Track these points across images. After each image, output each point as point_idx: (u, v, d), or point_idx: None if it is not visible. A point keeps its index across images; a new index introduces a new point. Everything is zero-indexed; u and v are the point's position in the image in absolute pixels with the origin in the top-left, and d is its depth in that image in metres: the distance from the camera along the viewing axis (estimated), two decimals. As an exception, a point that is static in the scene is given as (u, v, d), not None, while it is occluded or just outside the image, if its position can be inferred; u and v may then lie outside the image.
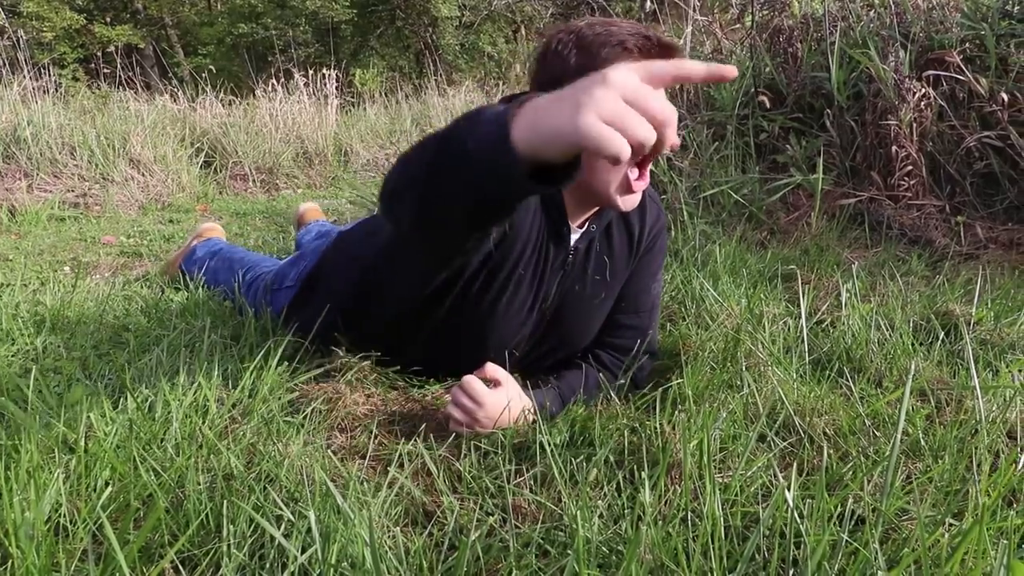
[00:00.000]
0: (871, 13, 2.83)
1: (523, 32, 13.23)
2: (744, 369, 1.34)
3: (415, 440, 1.20)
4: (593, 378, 1.44)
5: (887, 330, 1.54)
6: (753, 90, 2.86)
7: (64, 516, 0.98)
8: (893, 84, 2.34)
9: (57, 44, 10.83)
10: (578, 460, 1.07)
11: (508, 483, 1.03)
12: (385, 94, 8.90)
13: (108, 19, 12.79)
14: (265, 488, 0.98)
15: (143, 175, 5.15)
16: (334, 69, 7.31)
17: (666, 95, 1.19)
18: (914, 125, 2.32)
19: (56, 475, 1.05)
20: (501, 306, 1.37)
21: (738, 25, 3.32)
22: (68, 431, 1.17)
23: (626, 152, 0.69)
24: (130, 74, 7.22)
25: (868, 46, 2.48)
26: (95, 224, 4.31)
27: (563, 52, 1.20)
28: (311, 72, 7.07)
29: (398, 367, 1.52)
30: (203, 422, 1.24)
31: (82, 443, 1.14)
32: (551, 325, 1.46)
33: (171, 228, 4.02)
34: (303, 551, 0.86)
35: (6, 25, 9.01)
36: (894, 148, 2.30)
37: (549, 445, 1.11)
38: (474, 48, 13.95)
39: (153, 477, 1.05)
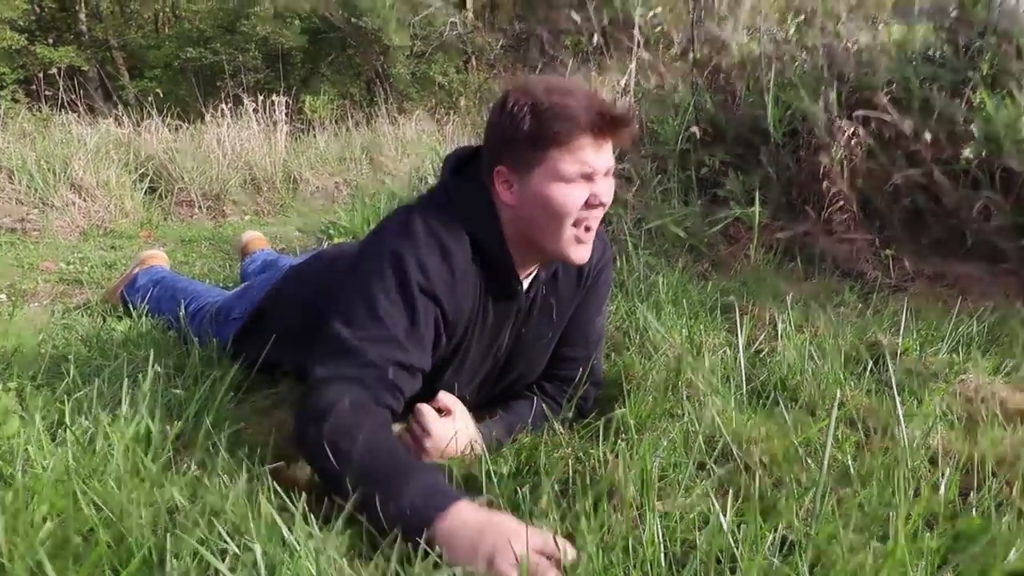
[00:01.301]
0: (804, 54, 2.96)
1: (473, 63, 13.38)
2: (685, 398, 1.39)
3: (362, 471, 1.21)
4: (539, 408, 1.47)
5: (819, 360, 1.61)
6: (694, 126, 2.96)
7: (0, 553, 0.96)
8: (824, 123, 2.46)
9: (-5, 65, 10.53)
10: (524, 488, 1.09)
11: (454, 513, 1.04)
12: (336, 121, 8.89)
13: (50, 40, 12.53)
14: (210, 521, 0.98)
15: (85, 200, 5.04)
16: (284, 95, 7.28)
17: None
18: (844, 163, 2.44)
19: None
20: (451, 367, 1.40)
21: (679, 62, 3.44)
22: (4, 464, 1.15)
23: None
24: (73, 96, 7.07)
25: (801, 87, 2.60)
26: (33, 249, 4.20)
27: (517, 115, 1.25)
28: (260, 98, 7.04)
29: None
30: (146, 455, 1.23)
31: (19, 476, 1.12)
32: (503, 368, 1.50)
33: (113, 255, 3.94)
34: (248, 584, 0.86)
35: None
36: (825, 184, 2.42)
37: (495, 475, 1.14)
38: (425, 78, 14.03)
39: (94, 511, 1.04)
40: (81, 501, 1.06)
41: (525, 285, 1.42)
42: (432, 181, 7.05)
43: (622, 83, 3.36)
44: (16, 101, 10.51)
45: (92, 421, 1.33)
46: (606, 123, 1.23)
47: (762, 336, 1.87)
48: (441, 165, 1.44)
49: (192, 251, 4.10)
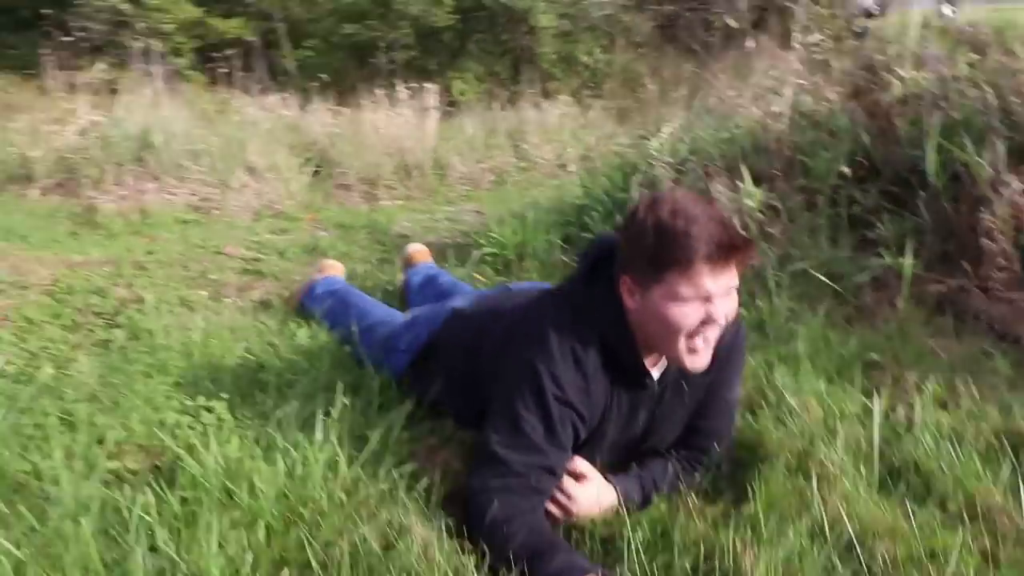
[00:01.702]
0: (974, 92, 2.85)
1: (620, 43, 13.24)
2: (815, 479, 1.47)
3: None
4: (673, 471, 1.60)
5: (957, 446, 1.64)
6: (848, 160, 2.93)
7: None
8: (989, 178, 2.39)
9: (175, 35, 11.49)
10: (656, 562, 1.24)
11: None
12: (481, 103, 9.11)
13: (222, 12, 13.37)
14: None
15: (257, 182, 5.51)
16: (434, 82, 7.58)
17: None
18: (1009, 220, 2.37)
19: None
20: (587, 448, 1.55)
21: (839, 89, 3.36)
22: (232, 486, 1.40)
23: None
24: (239, 70, 7.62)
25: (965, 134, 2.53)
26: (215, 230, 4.67)
27: (642, 234, 1.38)
28: (412, 84, 7.33)
29: None
30: (336, 484, 1.46)
31: (245, 498, 1.38)
32: (638, 441, 1.63)
33: (283, 240, 4.31)
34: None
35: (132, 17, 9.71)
36: (985, 241, 2.36)
37: (633, 542, 1.28)
38: (570, 57, 14.05)
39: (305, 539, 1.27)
40: (294, 529, 1.29)
41: (656, 374, 1.55)
42: (573, 169, 7.18)
43: (775, 107, 3.34)
44: (194, 69, 11.34)
45: (292, 444, 1.57)
46: (724, 253, 1.34)
47: (901, 406, 1.89)
48: (581, 257, 1.59)
49: (351, 240, 4.40)
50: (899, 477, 1.57)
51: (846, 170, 2.78)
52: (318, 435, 1.58)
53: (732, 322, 1.60)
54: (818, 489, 1.44)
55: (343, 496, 1.42)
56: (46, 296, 2.93)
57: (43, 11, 9.12)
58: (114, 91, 6.59)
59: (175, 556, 1.16)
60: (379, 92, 7.04)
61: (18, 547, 1.16)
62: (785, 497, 1.45)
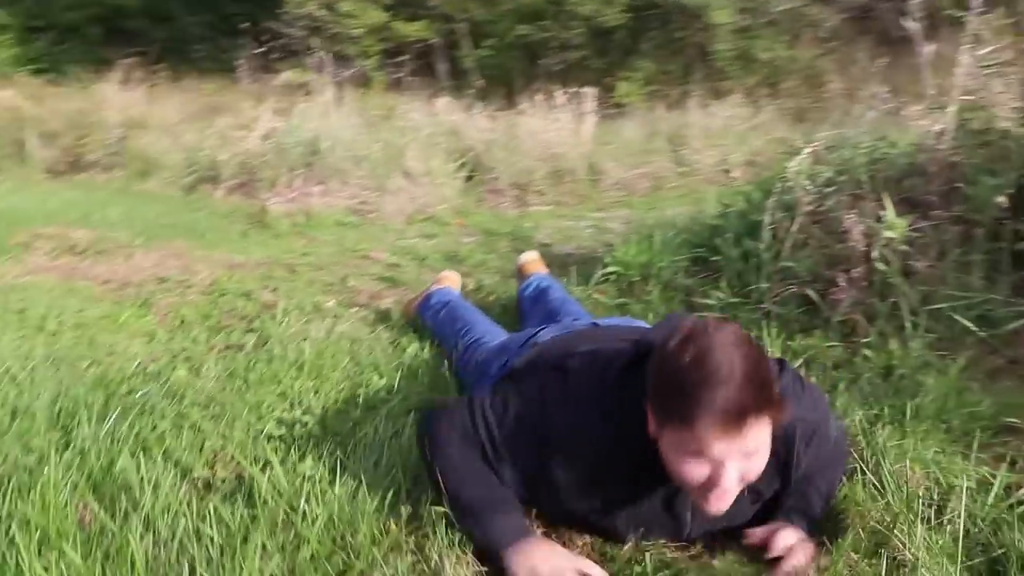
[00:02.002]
0: None
1: (804, 39, 12.51)
2: (885, 564, 1.33)
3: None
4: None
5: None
6: (1016, 188, 2.60)
7: None
8: None
9: (363, 39, 12.21)
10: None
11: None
12: (645, 106, 8.96)
13: (407, 16, 14.02)
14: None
15: (413, 186, 5.78)
16: (600, 83, 7.55)
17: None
18: None
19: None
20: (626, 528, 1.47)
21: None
22: (288, 508, 1.49)
23: None
24: (415, 74, 8.00)
25: None
26: (368, 233, 4.95)
27: (660, 372, 1.29)
28: (571, 89, 7.34)
29: None
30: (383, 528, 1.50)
31: (299, 520, 1.46)
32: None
33: (428, 245, 4.50)
34: None
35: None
36: None
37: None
38: (747, 55, 13.47)
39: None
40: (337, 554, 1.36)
41: None
42: (736, 175, 6.90)
43: (937, 127, 3.02)
44: (378, 70, 12.00)
45: (356, 473, 1.64)
46: (735, 421, 1.19)
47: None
48: (641, 341, 1.48)
49: (492, 247, 4.49)
50: (999, 572, 1.38)
51: (1003, 200, 2.47)
52: (383, 463, 1.64)
53: (805, 431, 1.47)
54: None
55: (391, 526, 1.46)
56: (204, 296, 3.25)
57: (245, 20, 10.09)
58: (304, 94, 7.17)
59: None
60: (538, 97, 7.12)
61: (89, 551, 1.30)
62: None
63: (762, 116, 8.73)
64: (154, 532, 1.40)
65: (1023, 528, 1.47)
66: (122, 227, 4.53)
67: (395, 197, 5.60)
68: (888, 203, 2.69)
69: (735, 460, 1.24)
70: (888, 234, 2.62)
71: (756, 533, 1.46)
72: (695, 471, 1.26)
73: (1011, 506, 1.59)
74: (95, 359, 2.40)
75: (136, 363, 2.39)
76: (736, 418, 1.20)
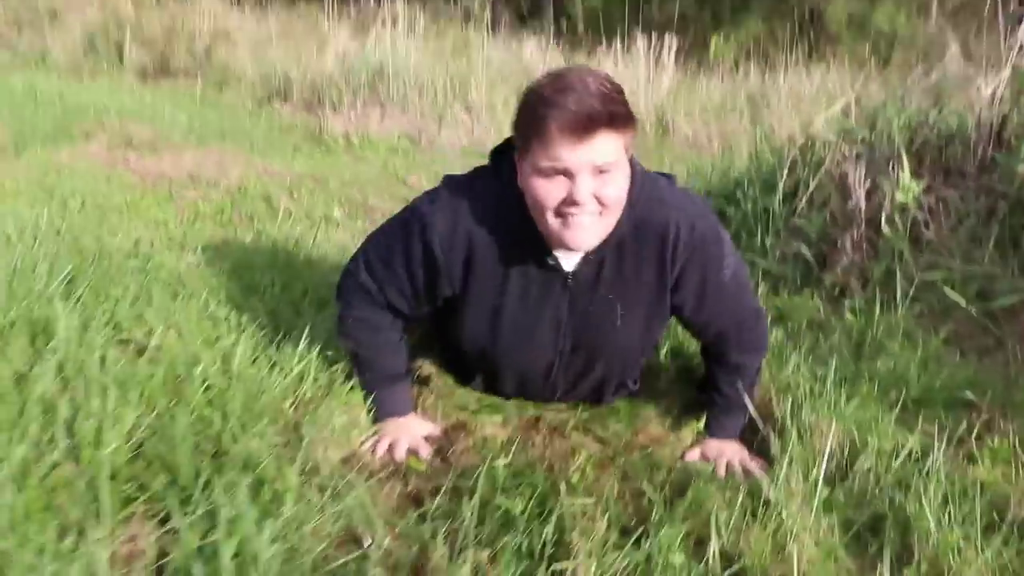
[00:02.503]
0: None
1: (934, 8, 11.67)
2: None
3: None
4: (729, 389, 1.64)
5: (963, 510, 1.32)
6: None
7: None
8: None
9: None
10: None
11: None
12: (735, 66, 8.59)
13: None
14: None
15: (472, 120, 5.78)
16: (696, 39, 7.29)
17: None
18: None
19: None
20: (504, 332, 1.53)
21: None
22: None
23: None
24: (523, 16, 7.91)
25: None
26: (416, 160, 5.00)
27: (521, 102, 1.35)
28: (663, 38, 7.10)
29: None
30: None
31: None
32: (578, 345, 1.56)
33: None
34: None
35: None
36: None
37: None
38: (865, 21, 12.71)
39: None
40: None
41: (570, 259, 1.46)
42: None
43: (988, 89, 2.78)
44: (483, 8, 11.95)
45: (300, 351, 1.71)
46: (582, 123, 1.23)
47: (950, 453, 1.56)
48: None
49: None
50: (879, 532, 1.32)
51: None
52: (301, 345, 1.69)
53: (686, 214, 1.48)
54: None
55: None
56: (226, 195, 3.38)
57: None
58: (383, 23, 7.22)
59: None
60: (617, 44, 6.95)
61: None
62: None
63: (858, 86, 8.21)
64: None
65: (911, 492, 1.40)
66: (181, 129, 4.74)
67: (452, 128, 5.63)
68: (905, 165, 2.52)
69: (587, 173, 1.29)
70: (899, 197, 2.47)
71: (691, 456, 1.63)
72: (551, 190, 1.31)
73: (920, 472, 1.50)
74: (97, 236, 2.54)
75: (134, 242, 2.51)
76: (584, 122, 1.24)
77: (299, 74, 6.13)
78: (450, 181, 1.54)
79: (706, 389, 1.72)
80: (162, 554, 1.11)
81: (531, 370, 1.63)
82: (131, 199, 3.12)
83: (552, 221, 1.34)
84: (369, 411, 1.62)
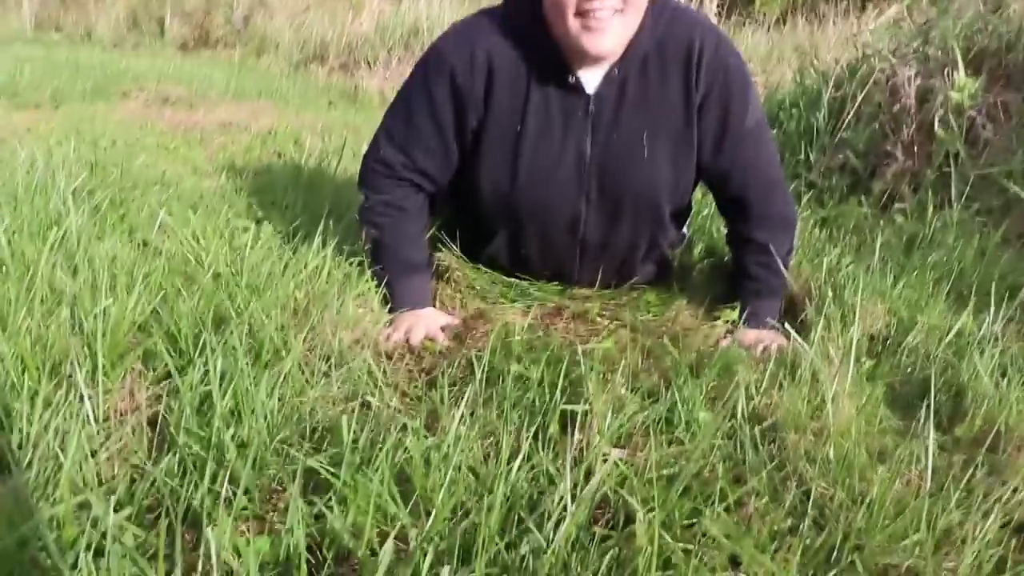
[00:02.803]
0: None
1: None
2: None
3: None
4: (760, 260, 1.53)
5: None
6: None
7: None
8: None
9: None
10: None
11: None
12: (782, 18, 8.30)
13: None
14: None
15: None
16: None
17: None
18: None
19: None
20: (523, 167, 1.45)
21: None
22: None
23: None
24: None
25: None
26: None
27: None
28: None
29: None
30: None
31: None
32: (603, 186, 1.47)
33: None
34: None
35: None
36: None
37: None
38: (918, -30, 12.08)
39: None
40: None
41: (592, 79, 1.40)
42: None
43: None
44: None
45: (286, 247, 1.66)
46: None
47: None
48: None
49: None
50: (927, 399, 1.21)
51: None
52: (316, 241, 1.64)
53: (711, 39, 1.41)
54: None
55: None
56: (256, 138, 3.37)
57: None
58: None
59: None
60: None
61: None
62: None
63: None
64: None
65: (965, 361, 1.28)
66: (218, 89, 4.75)
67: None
68: (960, 67, 2.36)
69: None
70: (954, 95, 2.30)
71: (724, 344, 1.47)
72: None
73: (974, 344, 1.38)
74: (127, 168, 2.54)
75: (162, 172, 2.50)
76: None
77: (335, 36, 6.11)
78: (457, 22, 1.51)
79: (736, 276, 1.62)
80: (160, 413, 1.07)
81: (555, 222, 1.53)
82: (162, 142, 3.12)
83: (572, 23, 1.30)
84: (385, 302, 1.55)
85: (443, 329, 1.50)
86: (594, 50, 1.32)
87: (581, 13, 1.29)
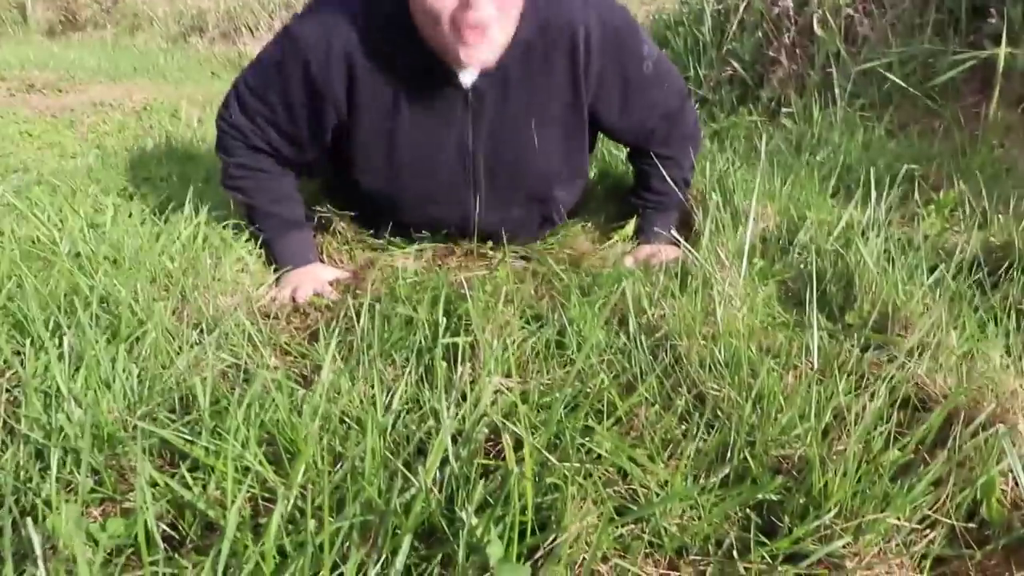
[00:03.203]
0: None
1: None
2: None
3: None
4: (658, 175, 1.50)
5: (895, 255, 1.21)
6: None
7: None
8: None
9: None
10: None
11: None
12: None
13: None
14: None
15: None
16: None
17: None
18: None
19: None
20: (403, 164, 1.38)
21: None
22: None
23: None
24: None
25: None
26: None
27: None
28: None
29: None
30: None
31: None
32: (493, 168, 1.41)
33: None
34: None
35: None
36: None
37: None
38: None
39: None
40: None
41: (471, 78, 1.30)
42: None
43: None
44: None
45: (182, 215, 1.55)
46: None
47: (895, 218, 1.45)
48: None
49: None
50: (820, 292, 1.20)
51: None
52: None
53: (594, 7, 1.34)
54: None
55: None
56: (131, 116, 3.16)
57: None
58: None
59: None
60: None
61: None
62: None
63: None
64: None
65: (852, 250, 1.28)
66: (88, 71, 4.45)
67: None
68: (834, -39, 2.36)
69: None
70: (829, -7, 2.30)
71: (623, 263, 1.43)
72: None
73: (861, 235, 1.38)
74: (-17, 159, 2.34)
75: (20, 161, 2.32)
76: None
77: (213, 5, 5.79)
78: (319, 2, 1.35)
79: (636, 192, 1.58)
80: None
81: (444, 212, 1.46)
82: (25, 129, 2.90)
83: (447, 34, 1.18)
84: (269, 265, 1.47)
85: (332, 284, 1.42)
86: (472, 63, 1.23)
87: (455, 25, 1.17)
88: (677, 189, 1.49)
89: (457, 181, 1.42)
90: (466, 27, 1.16)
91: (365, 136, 1.37)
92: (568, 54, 1.33)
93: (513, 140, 1.39)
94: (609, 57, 1.35)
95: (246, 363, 1.06)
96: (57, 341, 1.02)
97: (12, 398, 0.95)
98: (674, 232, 1.51)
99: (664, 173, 1.49)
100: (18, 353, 1.05)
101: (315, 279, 1.42)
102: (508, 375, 0.99)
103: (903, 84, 2.00)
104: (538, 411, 0.91)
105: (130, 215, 1.64)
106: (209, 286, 1.31)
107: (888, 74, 2.01)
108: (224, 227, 1.53)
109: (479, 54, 1.21)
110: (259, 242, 1.48)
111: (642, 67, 1.41)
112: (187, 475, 0.75)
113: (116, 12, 6.40)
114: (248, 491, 0.78)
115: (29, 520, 0.60)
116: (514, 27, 1.26)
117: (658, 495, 0.77)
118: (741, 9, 2.64)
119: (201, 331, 1.15)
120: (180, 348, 1.09)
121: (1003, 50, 1.79)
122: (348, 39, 1.29)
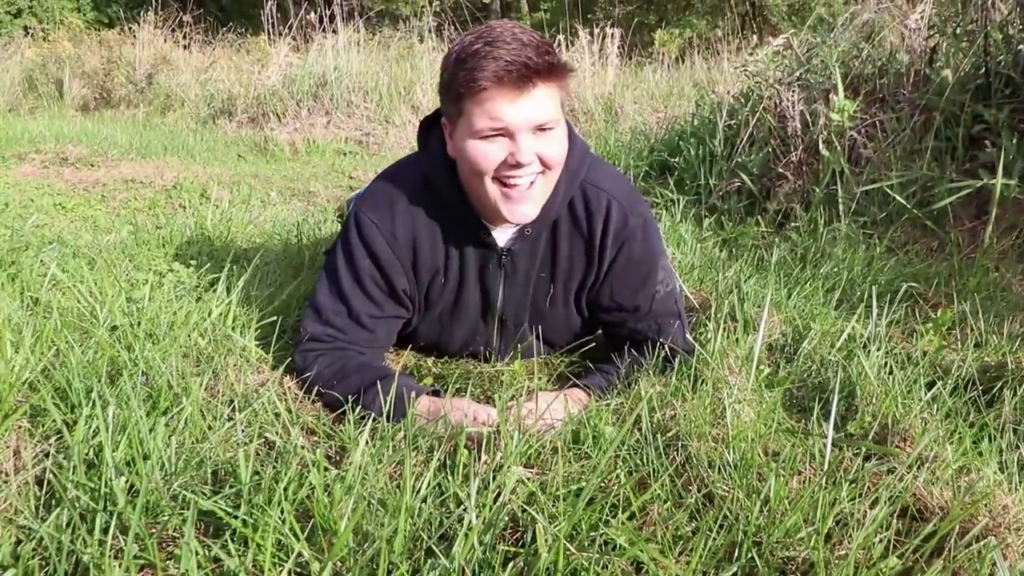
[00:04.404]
0: None
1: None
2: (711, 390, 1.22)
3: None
4: (626, 363, 1.40)
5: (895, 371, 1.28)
6: (983, 68, 2.39)
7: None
8: None
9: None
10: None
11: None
12: (680, 56, 8.68)
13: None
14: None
15: (419, 119, 5.73)
16: (619, 27, 7.35)
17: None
18: None
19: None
20: (442, 314, 1.46)
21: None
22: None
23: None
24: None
25: None
26: (367, 161, 4.94)
27: (443, 65, 1.25)
28: (598, 31, 7.17)
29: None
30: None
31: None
32: (513, 328, 1.48)
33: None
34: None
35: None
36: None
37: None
38: (805, 8, 12.98)
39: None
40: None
41: (504, 238, 1.38)
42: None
43: (914, 17, 2.79)
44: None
45: (241, 298, 1.62)
46: (518, 73, 1.14)
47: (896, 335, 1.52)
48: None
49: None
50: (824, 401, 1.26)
51: (947, 72, 2.26)
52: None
53: (621, 207, 1.38)
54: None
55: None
56: (160, 193, 3.29)
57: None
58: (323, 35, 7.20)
59: None
60: (560, 38, 6.98)
61: None
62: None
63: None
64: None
65: (854, 362, 1.34)
66: (120, 148, 4.64)
67: (400, 130, 5.58)
68: (839, 87, 2.52)
69: (527, 133, 1.20)
70: (835, 117, 2.45)
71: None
72: (490, 152, 1.21)
73: (863, 348, 1.45)
74: (18, 229, 2.44)
75: (56, 232, 2.42)
76: (523, 72, 1.15)
77: (242, 90, 6.06)
78: (379, 177, 1.43)
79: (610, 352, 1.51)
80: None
81: (457, 351, 1.56)
82: (59, 201, 3.02)
83: (491, 188, 1.25)
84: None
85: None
86: (514, 219, 1.29)
87: (500, 180, 1.24)
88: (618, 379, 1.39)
89: (477, 330, 1.50)
90: (510, 183, 1.23)
91: (423, 292, 1.44)
92: (587, 241, 1.40)
93: (535, 299, 1.46)
94: (622, 250, 1.41)
95: (276, 441, 1.11)
96: (100, 411, 1.08)
97: (57, 463, 1.00)
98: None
99: (626, 359, 1.41)
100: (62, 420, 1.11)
101: (466, 402, 1.27)
102: (528, 465, 1.04)
103: (905, 204, 2.10)
104: (554, 502, 0.96)
105: (161, 291, 1.73)
106: (238, 364, 1.38)
107: (891, 192, 2.12)
108: (253, 307, 1.61)
109: (522, 212, 1.27)
110: (356, 407, 1.28)
111: (651, 279, 1.44)
112: (229, 542, 0.79)
113: (149, 92, 6.67)
114: (282, 562, 0.82)
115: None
116: (552, 191, 1.32)
117: (670, 589, 0.81)
118: (752, 125, 2.79)
119: (233, 407, 1.20)
120: (211, 423, 1.14)
121: (999, 181, 1.90)
122: (410, 213, 1.36)
